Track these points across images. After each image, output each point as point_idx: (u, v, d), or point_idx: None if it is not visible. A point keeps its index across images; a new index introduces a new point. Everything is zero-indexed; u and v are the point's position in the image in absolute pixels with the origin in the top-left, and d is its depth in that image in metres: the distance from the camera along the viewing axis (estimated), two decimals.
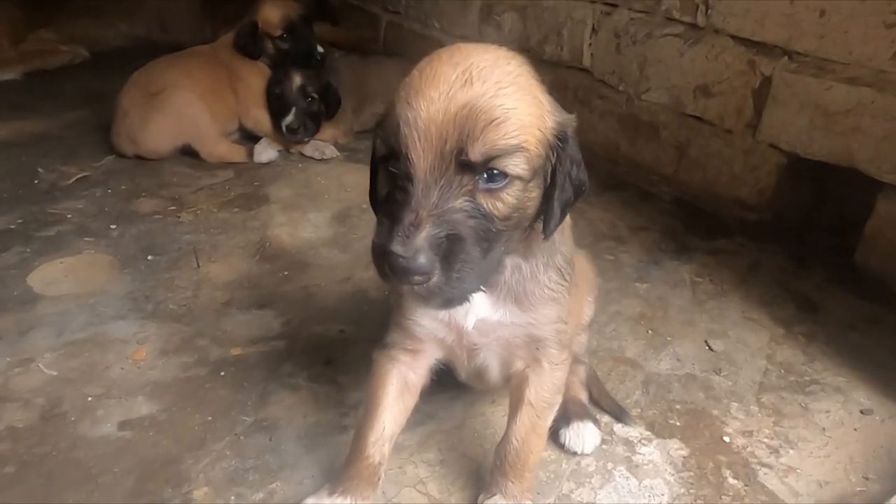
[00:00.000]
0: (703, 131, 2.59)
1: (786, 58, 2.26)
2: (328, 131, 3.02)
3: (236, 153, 2.87)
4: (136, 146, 2.77)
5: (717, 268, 2.23)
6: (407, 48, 4.23)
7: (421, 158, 0.90)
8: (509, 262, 1.09)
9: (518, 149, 0.92)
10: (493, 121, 0.89)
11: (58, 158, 2.76)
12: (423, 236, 0.88)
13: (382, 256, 0.90)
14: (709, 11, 2.45)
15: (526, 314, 1.13)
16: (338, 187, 2.66)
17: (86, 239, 2.18)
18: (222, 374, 1.61)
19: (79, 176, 2.62)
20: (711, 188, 2.60)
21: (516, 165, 0.92)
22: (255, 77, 2.98)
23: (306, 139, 2.89)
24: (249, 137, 3.03)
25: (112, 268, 2.03)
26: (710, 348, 1.81)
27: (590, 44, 3.00)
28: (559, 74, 3.20)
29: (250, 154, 2.86)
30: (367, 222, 2.38)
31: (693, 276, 2.17)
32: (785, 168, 2.35)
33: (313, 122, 2.86)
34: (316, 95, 2.85)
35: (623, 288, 2.09)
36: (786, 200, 2.43)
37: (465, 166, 0.90)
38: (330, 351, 1.70)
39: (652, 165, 2.83)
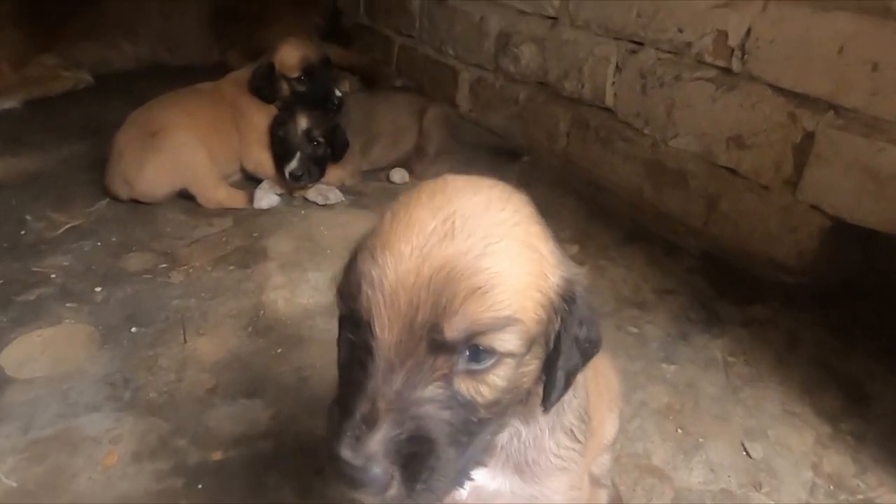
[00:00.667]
0: (737, 184, 2.38)
1: (831, 112, 2.05)
2: (334, 173, 2.86)
3: (236, 198, 2.71)
4: (132, 189, 2.62)
5: (751, 343, 2.02)
6: (420, 73, 4.06)
7: (385, 330, 0.72)
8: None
9: (509, 321, 0.73)
10: (477, 289, 0.71)
11: (49, 203, 2.62)
12: (379, 439, 0.69)
13: (331, 458, 0.72)
14: (745, 57, 2.25)
15: (529, 486, 0.94)
16: (341, 239, 2.49)
17: (68, 304, 2.03)
18: (200, 486, 1.44)
19: (69, 225, 2.48)
20: (744, 245, 2.40)
21: (507, 342, 0.74)
22: (261, 116, 2.82)
23: (310, 185, 2.72)
24: (251, 179, 2.87)
25: (92, 342, 1.88)
26: (748, 454, 1.61)
27: (613, 82, 2.80)
28: (579, 112, 3.01)
29: (250, 199, 2.70)
30: None
31: (726, 355, 1.97)
32: (828, 231, 2.14)
33: (318, 167, 2.69)
34: (322, 139, 2.68)
35: (649, 370, 1.89)
36: (828, 264, 2.22)
37: (441, 345, 0.72)
38: (321, 456, 1.53)
39: (679, 215, 2.62)
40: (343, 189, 2.86)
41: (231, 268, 2.28)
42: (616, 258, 2.47)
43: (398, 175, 2.98)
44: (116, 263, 2.27)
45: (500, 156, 3.30)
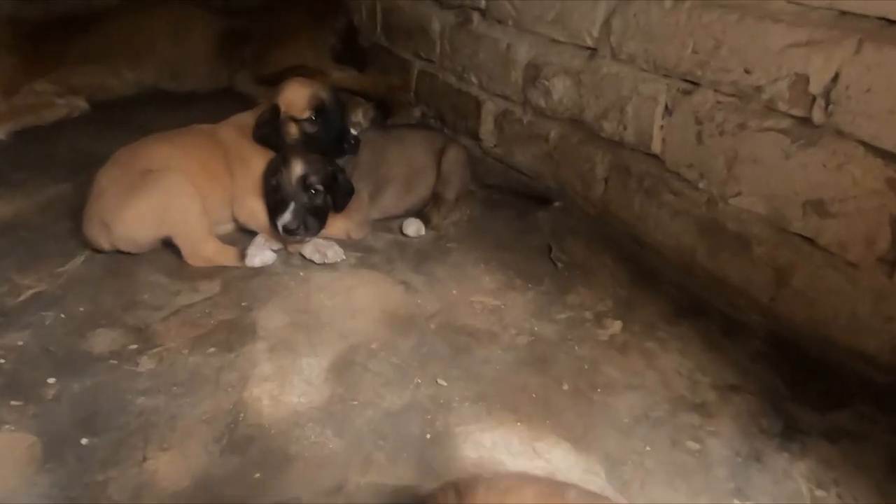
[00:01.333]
0: (815, 257, 1.99)
1: None
2: (338, 224, 2.51)
3: (226, 255, 2.38)
4: (111, 233, 2.30)
5: (843, 468, 1.63)
6: (440, 101, 3.71)
7: None
8: None
9: None
10: None
11: (17, 261, 2.32)
12: None
13: None
14: (830, 107, 1.85)
15: None
16: (343, 311, 2.14)
17: (12, 402, 1.71)
18: None
19: (33, 291, 2.16)
20: (822, 330, 2.00)
21: None
22: (259, 159, 2.49)
23: (307, 239, 2.37)
24: (245, 232, 2.53)
25: (31, 459, 1.55)
26: None
27: (661, 126, 2.42)
28: (620, 156, 2.63)
29: (242, 256, 2.36)
30: (373, 377, 1.86)
31: (813, 487, 1.58)
32: None
33: (317, 219, 2.35)
34: (321, 187, 2.33)
35: None
36: None
37: None
38: None
39: (740, 286, 2.23)
40: (348, 244, 2.51)
41: (212, 350, 1.94)
42: (667, 339, 2.09)
43: (413, 227, 2.62)
44: (79, 344, 1.94)
45: (527, 200, 2.93)
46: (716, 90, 2.19)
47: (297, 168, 2.31)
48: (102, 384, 1.79)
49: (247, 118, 2.59)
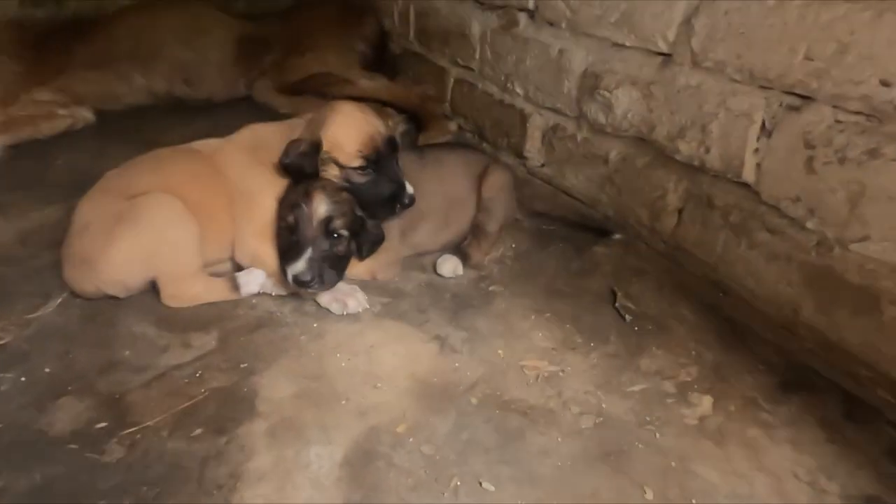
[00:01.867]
0: None
1: None
2: (362, 263, 2.10)
3: (217, 290, 2.02)
4: (94, 274, 1.93)
5: None
6: (479, 114, 3.30)
7: None
8: None
9: None
10: None
11: None
12: None
13: None
14: None
15: None
16: (364, 377, 1.74)
17: None
18: None
19: None
20: None
21: None
22: (268, 192, 2.07)
23: (321, 290, 1.97)
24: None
25: None
26: None
27: (756, 149, 1.97)
28: (700, 184, 2.19)
29: (235, 287, 1.98)
30: (399, 476, 1.44)
31: None
32: None
33: (335, 270, 1.94)
34: (346, 233, 1.92)
35: None
36: None
37: None
38: None
39: (862, 355, 1.77)
40: (373, 285, 2.10)
41: (198, 432, 1.55)
42: (773, 425, 1.64)
43: (449, 265, 2.21)
44: (36, 420, 1.56)
45: (582, 232, 2.50)
46: (835, 106, 1.73)
47: (322, 208, 1.89)
48: (57, 483, 1.40)
49: (257, 136, 2.19)
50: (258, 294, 2.05)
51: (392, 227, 2.14)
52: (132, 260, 1.92)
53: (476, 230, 2.31)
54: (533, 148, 2.99)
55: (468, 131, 3.44)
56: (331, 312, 1.99)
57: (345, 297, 1.98)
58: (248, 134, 2.21)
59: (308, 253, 1.88)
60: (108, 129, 3.43)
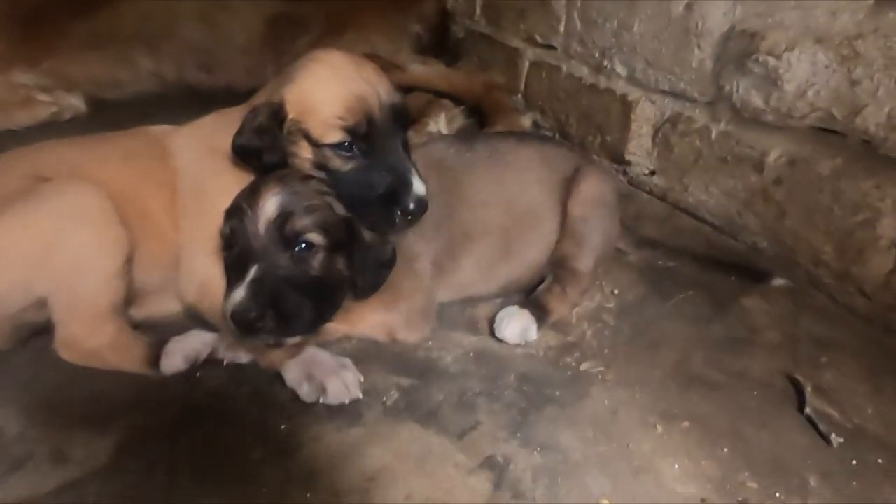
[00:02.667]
0: None
1: None
2: (371, 314, 1.30)
3: (127, 351, 1.26)
4: None
5: None
6: (562, 105, 2.47)
7: None
8: None
9: None
10: None
11: None
12: None
13: None
14: None
15: None
16: None
17: None
18: None
19: None
20: None
21: None
22: (226, 191, 1.27)
23: (272, 341, 1.17)
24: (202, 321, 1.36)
25: None
26: None
27: None
28: None
29: (154, 360, 1.21)
30: None
31: None
32: None
33: (304, 305, 1.15)
34: (318, 240, 1.14)
35: None
36: None
37: None
38: None
39: None
40: (387, 353, 1.29)
41: None
42: None
43: (514, 324, 1.37)
44: None
45: (722, 273, 1.62)
46: None
47: (271, 203, 1.13)
48: None
49: (225, 119, 1.42)
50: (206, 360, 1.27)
51: (419, 254, 1.33)
52: (11, 265, 1.19)
53: (559, 267, 1.47)
54: (639, 148, 2.12)
55: (546, 128, 2.60)
56: (319, 402, 1.18)
57: (323, 374, 1.17)
58: (214, 116, 1.47)
59: (252, 272, 1.09)
60: (99, 120, 2.77)
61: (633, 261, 1.68)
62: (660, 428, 1.16)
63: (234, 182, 1.27)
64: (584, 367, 1.31)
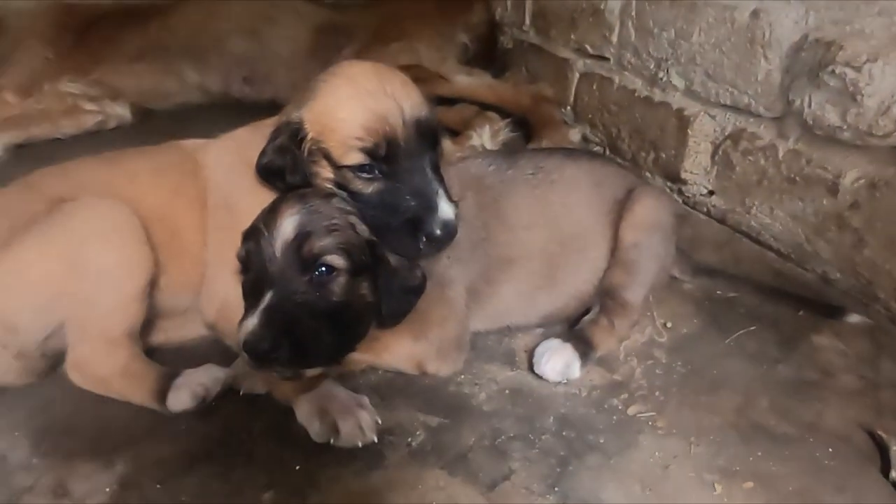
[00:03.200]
0: None
1: None
2: (398, 342, 1.21)
3: (136, 382, 1.19)
4: None
5: None
6: (614, 119, 2.35)
7: None
8: None
9: None
10: None
11: None
12: None
13: None
14: None
15: None
16: None
17: None
18: None
19: None
20: None
21: None
22: (258, 207, 1.18)
23: (288, 373, 1.09)
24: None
25: None
26: None
27: None
28: None
29: (161, 395, 1.13)
30: None
31: None
32: None
33: (326, 335, 1.06)
34: (340, 263, 1.06)
35: None
36: None
37: None
38: None
39: None
40: (414, 385, 1.19)
41: None
42: None
43: (556, 360, 1.25)
44: None
45: (788, 305, 1.46)
46: None
47: (288, 223, 1.05)
48: None
49: (257, 133, 1.34)
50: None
51: (452, 278, 1.22)
52: (33, 287, 1.15)
53: (607, 297, 1.34)
54: (697, 166, 1.97)
55: (596, 143, 2.47)
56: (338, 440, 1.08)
57: (337, 413, 1.07)
58: (248, 129, 1.40)
59: (266, 300, 1.01)
60: (145, 130, 2.78)
61: (689, 290, 1.54)
62: (718, 488, 1.02)
63: (267, 199, 1.20)
64: (632, 410, 1.18)
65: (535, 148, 2.20)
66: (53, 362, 1.22)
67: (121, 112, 2.80)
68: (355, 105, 1.12)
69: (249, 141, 1.31)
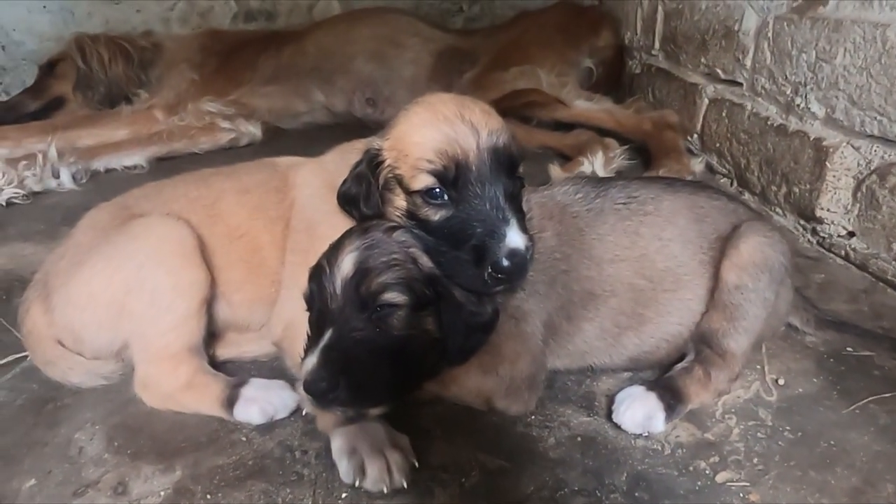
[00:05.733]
0: None
1: None
2: (465, 377, 1.14)
3: (202, 393, 1.20)
4: (49, 317, 1.28)
5: None
6: (743, 149, 2.17)
7: None
8: None
9: None
10: None
11: None
12: None
13: None
14: None
15: None
16: None
17: None
18: None
19: None
20: None
21: None
22: (337, 232, 1.17)
23: (340, 410, 1.06)
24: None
25: None
26: None
27: None
28: None
29: (229, 403, 1.14)
30: None
31: None
32: None
33: (385, 374, 1.02)
34: (400, 300, 1.02)
35: None
36: None
37: None
38: None
39: None
40: (478, 425, 1.11)
41: None
42: None
43: (637, 409, 1.13)
44: None
45: None
46: None
47: (348, 260, 1.02)
48: None
49: (345, 158, 1.33)
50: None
51: (528, 312, 1.14)
52: (97, 304, 1.22)
53: (704, 344, 1.19)
54: (835, 204, 1.75)
55: (723, 174, 2.28)
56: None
57: (366, 452, 1.01)
58: (336, 152, 1.41)
59: (326, 338, 0.98)
60: (272, 147, 2.92)
61: (811, 344, 1.35)
62: None
63: (345, 226, 1.18)
64: (721, 477, 1.03)
65: (634, 177, 2.05)
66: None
67: (252, 130, 2.98)
68: (429, 129, 1.09)
69: (337, 165, 1.31)
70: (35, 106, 3.04)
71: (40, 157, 2.46)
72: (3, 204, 2.32)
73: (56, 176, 2.48)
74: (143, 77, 3.11)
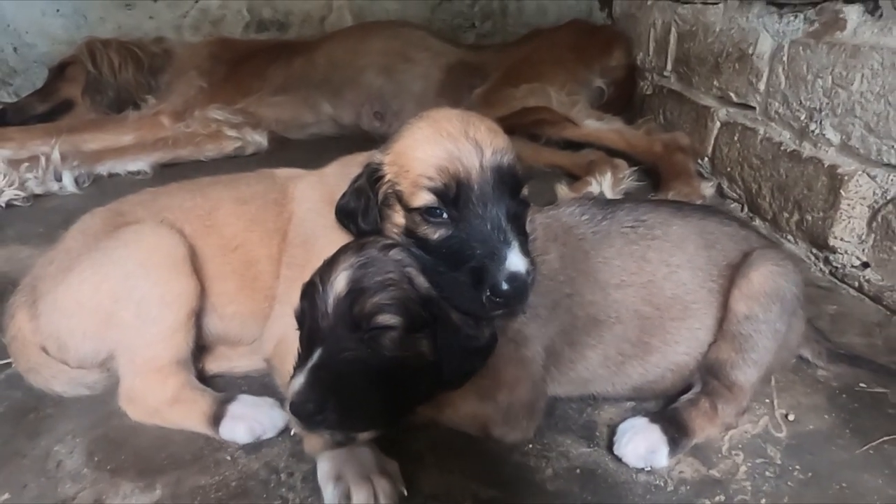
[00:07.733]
0: None
1: None
2: (458, 401, 1.11)
3: (188, 409, 1.16)
4: (35, 323, 1.25)
5: None
6: (755, 174, 2.13)
7: None
8: None
9: None
10: None
11: None
12: None
13: None
14: None
15: None
16: None
17: None
18: None
19: None
20: None
21: None
22: (335, 247, 1.13)
23: (327, 433, 1.02)
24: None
25: None
26: None
27: None
28: None
29: (214, 420, 1.10)
30: None
31: None
32: None
33: (366, 405, 0.97)
34: (392, 320, 0.97)
35: None
36: None
37: None
38: None
39: None
40: (473, 452, 1.06)
41: None
42: None
43: (640, 442, 1.08)
44: None
45: None
46: None
47: (341, 278, 0.97)
48: None
49: (345, 171, 1.29)
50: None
51: (529, 336, 1.09)
52: (84, 312, 1.18)
53: (711, 375, 1.15)
54: (849, 233, 1.70)
55: (733, 198, 2.24)
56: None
57: (353, 478, 0.96)
58: (336, 165, 1.38)
59: (315, 358, 0.94)
60: (277, 157, 2.90)
61: (823, 378, 1.29)
62: None
63: (343, 241, 1.14)
64: None
65: (643, 200, 2.00)
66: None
67: (258, 139, 2.96)
68: (431, 145, 1.05)
69: (337, 179, 1.28)
70: (43, 108, 3.04)
71: (43, 159, 2.45)
72: (3, 205, 2.30)
73: (58, 179, 2.46)
74: (152, 83, 3.11)
